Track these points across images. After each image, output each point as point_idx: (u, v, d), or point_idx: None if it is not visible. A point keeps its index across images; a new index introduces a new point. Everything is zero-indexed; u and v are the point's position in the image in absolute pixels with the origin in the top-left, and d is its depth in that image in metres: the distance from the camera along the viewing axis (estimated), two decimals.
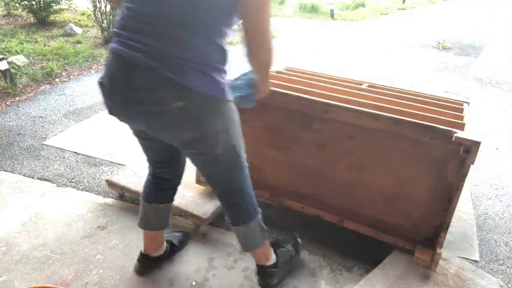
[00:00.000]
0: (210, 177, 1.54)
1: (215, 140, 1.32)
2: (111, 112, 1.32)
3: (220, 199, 1.58)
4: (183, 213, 2.01)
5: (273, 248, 1.72)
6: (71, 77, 4.19)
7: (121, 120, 1.35)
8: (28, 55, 4.50)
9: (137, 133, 1.47)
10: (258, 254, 1.66)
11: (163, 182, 1.64)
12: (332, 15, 9.08)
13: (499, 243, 2.14)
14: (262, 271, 1.67)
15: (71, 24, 5.67)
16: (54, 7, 5.99)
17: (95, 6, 5.16)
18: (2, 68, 3.56)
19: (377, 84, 2.39)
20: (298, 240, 1.86)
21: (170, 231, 1.94)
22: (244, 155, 1.49)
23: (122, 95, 1.24)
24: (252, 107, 1.58)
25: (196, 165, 1.52)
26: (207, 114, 1.27)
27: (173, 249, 1.87)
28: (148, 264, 1.76)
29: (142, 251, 1.75)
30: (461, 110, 2.03)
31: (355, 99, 1.97)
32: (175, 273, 1.77)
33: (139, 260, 1.76)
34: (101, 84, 1.29)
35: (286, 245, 1.80)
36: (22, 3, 5.72)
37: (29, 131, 2.99)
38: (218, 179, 1.52)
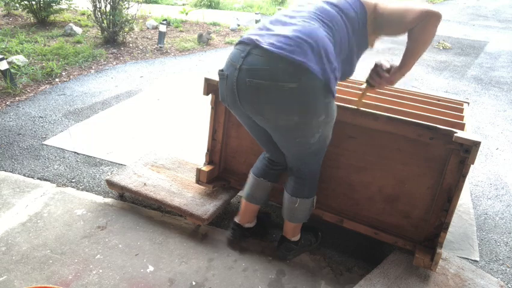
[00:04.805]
0: (288, 155, 1.68)
1: (313, 130, 1.47)
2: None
3: (290, 172, 1.75)
4: (183, 213, 2.01)
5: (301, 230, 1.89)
6: (71, 77, 4.19)
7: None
8: (28, 55, 4.50)
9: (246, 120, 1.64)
10: (290, 228, 1.84)
11: (272, 163, 1.83)
12: None
13: (499, 243, 2.14)
14: (284, 243, 1.87)
15: (71, 24, 5.67)
16: (54, 7, 5.98)
17: (95, 6, 5.15)
18: (2, 68, 3.55)
19: None
20: (320, 234, 2.01)
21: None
22: (327, 146, 1.67)
23: None
24: None
25: (278, 141, 1.62)
26: (318, 104, 1.39)
27: (264, 226, 2.05)
28: (240, 234, 1.95)
29: (236, 221, 1.95)
30: (461, 110, 2.03)
31: (355, 99, 1.97)
32: (175, 273, 1.77)
33: (233, 228, 1.96)
34: None
35: (309, 233, 1.96)
36: (22, 3, 5.72)
37: (29, 131, 2.99)
38: (298, 159, 1.67)
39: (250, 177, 1.88)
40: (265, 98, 1.36)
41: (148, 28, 6.51)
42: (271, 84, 1.32)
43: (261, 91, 1.35)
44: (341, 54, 1.47)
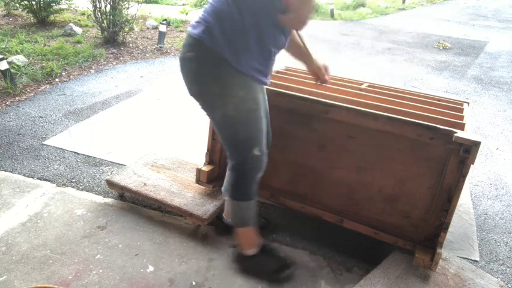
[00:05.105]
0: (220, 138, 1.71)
1: (211, 102, 1.55)
2: None
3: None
4: (183, 213, 2.01)
5: (261, 250, 1.78)
6: (71, 77, 4.19)
7: None
8: (28, 55, 4.49)
9: None
10: (236, 234, 1.79)
11: None
12: (332, 15, 9.10)
13: (499, 243, 2.14)
14: (239, 252, 1.83)
15: (71, 24, 5.67)
16: (54, 7, 5.98)
17: (95, 6, 5.15)
18: (2, 68, 3.55)
19: (377, 84, 2.39)
20: (290, 269, 1.80)
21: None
22: (247, 138, 1.58)
23: None
24: None
25: None
26: (208, 73, 1.48)
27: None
28: (223, 226, 2.02)
29: (223, 213, 2.03)
30: (461, 110, 2.03)
31: (355, 99, 1.98)
32: (175, 273, 1.77)
33: (218, 218, 2.06)
34: None
35: (272, 259, 1.79)
36: (22, 3, 5.72)
37: (29, 131, 2.99)
38: (222, 139, 1.66)
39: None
40: (181, 70, 1.57)
41: (148, 28, 6.51)
42: (181, 57, 1.54)
43: (180, 64, 1.57)
44: (253, 21, 1.44)
